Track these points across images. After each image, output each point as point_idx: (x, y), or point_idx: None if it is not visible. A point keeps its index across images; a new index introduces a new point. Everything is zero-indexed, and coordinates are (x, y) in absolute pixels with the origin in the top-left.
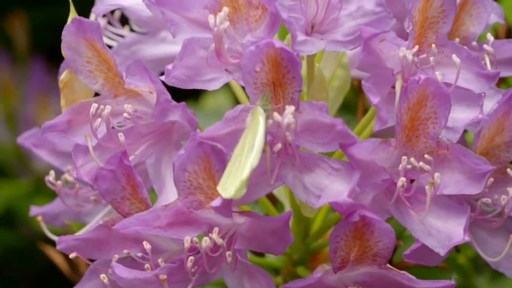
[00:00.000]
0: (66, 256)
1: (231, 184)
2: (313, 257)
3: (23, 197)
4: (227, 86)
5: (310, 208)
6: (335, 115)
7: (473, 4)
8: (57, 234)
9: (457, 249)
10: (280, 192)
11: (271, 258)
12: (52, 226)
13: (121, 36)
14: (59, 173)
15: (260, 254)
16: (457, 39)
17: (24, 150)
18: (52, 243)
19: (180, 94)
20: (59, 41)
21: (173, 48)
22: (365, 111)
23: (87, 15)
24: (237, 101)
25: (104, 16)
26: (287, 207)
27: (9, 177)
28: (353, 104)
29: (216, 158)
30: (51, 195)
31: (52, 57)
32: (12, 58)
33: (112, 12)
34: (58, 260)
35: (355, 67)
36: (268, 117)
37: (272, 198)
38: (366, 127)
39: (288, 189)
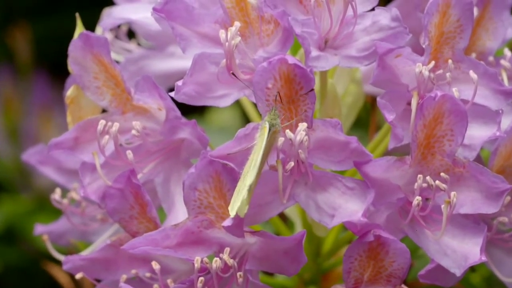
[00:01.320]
0: (71, 275)
1: (235, 202)
2: (325, 277)
3: (25, 214)
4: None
5: (323, 227)
6: (348, 132)
7: (490, 18)
8: (61, 252)
9: (472, 268)
10: (290, 211)
11: (281, 278)
12: (56, 245)
13: (128, 50)
14: (63, 190)
15: (270, 273)
16: (474, 54)
17: (26, 166)
18: (55, 262)
19: (185, 109)
20: (62, 54)
21: (182, 63)
22: (377, 127)
23: (92, 29)
24: (244, 117)
25: (110, 30)
26: (298, 226)
27: (10, 192)
28: (363, 120)
29: (227, 177)
30: (54, 212)
31: (55, 70)
32: (14, 71)
33: (118, 26)
34: (63, 279)
35: (370, 83)
36: (276, 132)
37: (281, 215)
38: (379, 145)
39: (299, 208)
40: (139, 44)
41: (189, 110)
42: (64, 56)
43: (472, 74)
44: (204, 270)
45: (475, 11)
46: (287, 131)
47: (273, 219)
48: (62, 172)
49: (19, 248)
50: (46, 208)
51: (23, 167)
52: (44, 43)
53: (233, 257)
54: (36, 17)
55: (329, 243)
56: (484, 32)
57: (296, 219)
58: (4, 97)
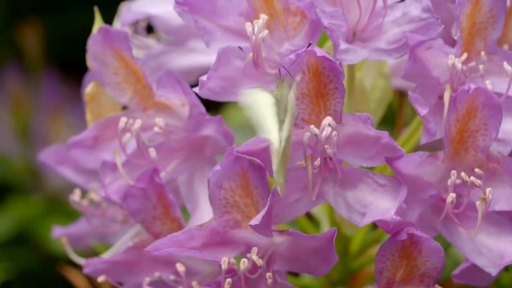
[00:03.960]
0: (88, 279)
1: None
2: (353, 277)
3: (37, 216)
4: None
5: (352, 226)
6: (376, 128)
7: None
8: (77, 255)
9: (506, 267)
10: (317, 209)
11: (307, 279)
12: (73, 247)
13: (147, 46)
14: (71, 192)
15: (295, 274)
16: (506, 46)
17: (36, 166)
18: (70, 265)
19: None
20: (73, 51)
21: (203, 58)
22: (404, 123)
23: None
24: None
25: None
26: (325, 224)
27: (20, 194)
28: (388, 116)
29: (254, 174)
30: (66, 213)
31: (66, 68)
32: (24, 69)
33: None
34: (81, 284)
35: (400, 76)
36: (281, 101)
37: (307, 214)
38: (409, 140)
39: (326, 206)
40: (158, 40)
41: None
42: (75, 53)
43: (506, 66)
44: (231, 271)
45: (508, 1)
46: (312, 126)
47: (298, 218)
48: (81, 172)
49: (31, 251)
50: (58, 210)
51: (33, 168)
52: (54, 40)
53: (261, 257)
54: (46, 14)
55: (357, 243)
56: None
57: (323, 218)
58: (14, 96)
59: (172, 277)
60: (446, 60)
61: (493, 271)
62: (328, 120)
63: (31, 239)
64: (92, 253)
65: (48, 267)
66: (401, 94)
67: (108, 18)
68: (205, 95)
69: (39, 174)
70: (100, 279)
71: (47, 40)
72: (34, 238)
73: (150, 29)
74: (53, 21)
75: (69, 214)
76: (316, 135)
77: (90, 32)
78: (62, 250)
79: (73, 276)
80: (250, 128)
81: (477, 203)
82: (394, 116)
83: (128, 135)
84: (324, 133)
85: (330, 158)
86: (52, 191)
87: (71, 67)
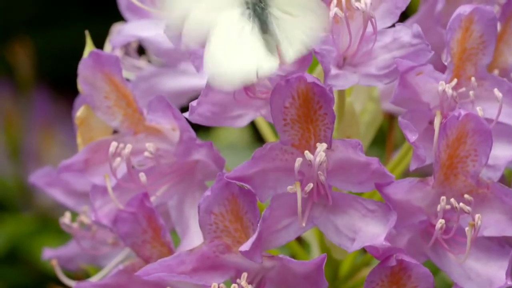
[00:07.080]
0: None
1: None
2: None
3: (28, 234)
4: None
5: (342, 250)
6: (365, 151)
7: None
8: (67, 276)
9: None
10: (307, 233)
11: None
12: (64, 269)
13: (138, 67)
14: (62, 210)
15: None
16: (496, 71)
17: (27, 184)
18: (61, 283)
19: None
20: (64, 69)
21: (194, 81)
22: (394, 146)
23: (93, 42)
24: (252, 132)
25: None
26: (315, 248)
27: (12, 212)
28: (378, 138)
29: (244, 200)
30: (58, 231)
31: (57, 85)
32: (14, 86)
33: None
34: None
35: (390, 102)
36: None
37: (297, 237)
38: (398, 165)
39: (316, 230)
40: (149, 61)
41: (193, 126)
42: (66, 70)
43: (497, 92)
44: None
45: (498, 26)
46: (306, 152)
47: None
48: (71, 195)
49: (22, 269)
50: (49, 227)
51: (25, 186)
52: (45, 57)
53: (250, 282)
54: (37, 31)
55: (347, 266)
56: (506, 48)
57: (313, 241)
58: (5, 113)
59: None
60: (436, 86)
61: None
62: (323, 146)
63: (23, 257)
64: (83, 274)
65: (39, 285)
66: (391, 117)
67: (97, 35)
68: (196, 120)
69: (30, 191)
70: None
71: (38, 58)
72: (25, 255)
73: (141, 50)
74: (44, 39)
75: (60, 232)
76: (310, 161)
77: (81, 49)
78: (53, 268)
79: None
80: (239, 147)
81: (466, 229)
82: (384, 138)
83: (118, 159)
84: (317, 159)
85: (322, 184)
86: (44, 208)
87: (62, 84)
